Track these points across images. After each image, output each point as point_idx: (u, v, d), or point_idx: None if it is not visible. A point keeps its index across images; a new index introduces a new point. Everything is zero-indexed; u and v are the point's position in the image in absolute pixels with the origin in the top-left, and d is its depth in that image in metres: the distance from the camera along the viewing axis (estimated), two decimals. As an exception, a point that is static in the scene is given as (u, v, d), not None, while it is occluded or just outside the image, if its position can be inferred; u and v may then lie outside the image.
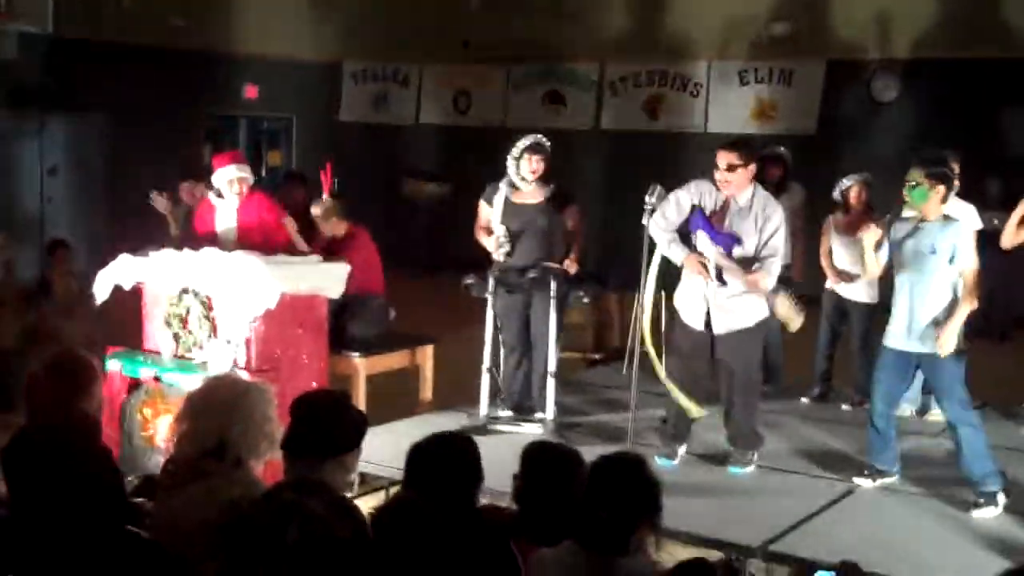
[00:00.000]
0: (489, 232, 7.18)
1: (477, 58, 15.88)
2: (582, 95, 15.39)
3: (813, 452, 6.87)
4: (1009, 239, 7.38)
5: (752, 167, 6.24)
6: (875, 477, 6.21)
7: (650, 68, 14.84)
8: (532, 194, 7.09)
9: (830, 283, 8.05)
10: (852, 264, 7.85)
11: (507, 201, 7.09)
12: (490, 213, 7.17)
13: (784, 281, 8.26)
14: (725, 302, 6.25)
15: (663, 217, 6.29)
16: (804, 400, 8.10)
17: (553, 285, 6.94)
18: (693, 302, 6.32)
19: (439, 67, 16.43)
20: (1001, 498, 5.86)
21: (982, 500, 5.84)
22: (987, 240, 7.50)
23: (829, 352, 8.16)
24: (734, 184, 6.18)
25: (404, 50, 16.45)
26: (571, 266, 7.04)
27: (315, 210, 7.70)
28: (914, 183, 5.94)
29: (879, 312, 7.84)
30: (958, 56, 12.63)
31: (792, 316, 6.74)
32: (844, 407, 7.93)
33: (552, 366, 6.99)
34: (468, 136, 15.83)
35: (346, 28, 16.81)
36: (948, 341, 5.86)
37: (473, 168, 15.19)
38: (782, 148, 8.64)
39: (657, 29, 14.67)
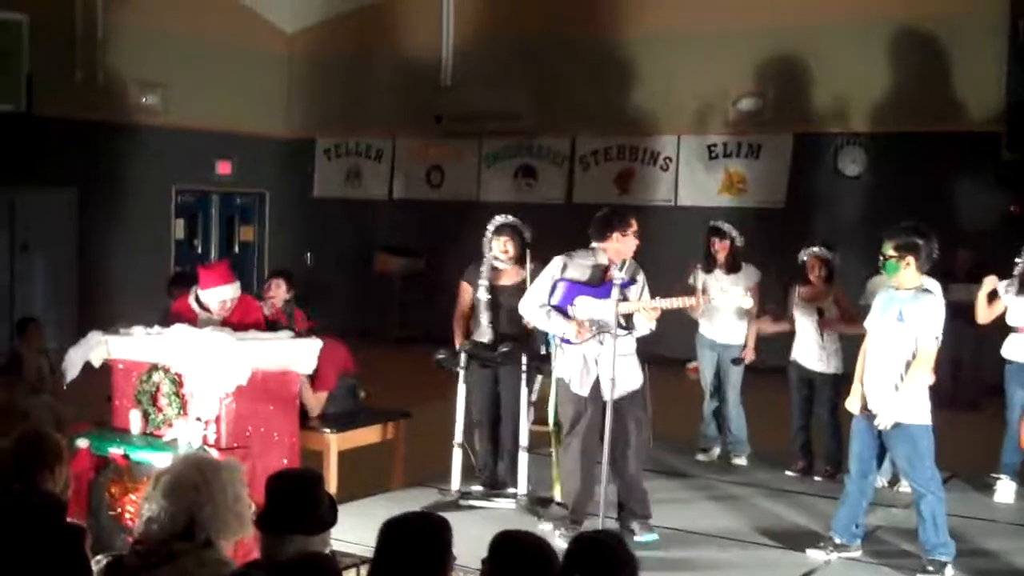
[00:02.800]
0: (467, 316, 7.25)
1: (449, 133, 16.03)
2: (554, 169, 15.53)
3: (785, 525, 6.87)
4: (984, 316, 7.57)
5: None
6: (831, 549, 6.22)
7: (620, 143, 15.02)
8: (510, 275, 7.17)
9: (793, 355, 8.10)
10: (814, 333, 7.92)
11: (489, 283, 7.16)
12: (471, 295, 7.23)
13: (735, 363, 8.37)
14: (613, 368, 6.18)
15: (537, 298, 6.41)
16: (788, 473, 8.10)
17: (523, 359, 6.95)
18: (580, 369, 6.31)
19: (412, 142, 16.56)
20: (949, 570, 5.93)
21: (930, 568, 5.93)
22: (955, 312, 7.62)
23: (803, 423, 8.17)
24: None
25: (377, 126, 16.59)
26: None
27: None
28: (885, 256, 6.08)
29: (844, 382, 7.92)
30: (922, 130, 12.86)
31: (737, 300, 6.60)
32: (816, 479, 7.95)
33: (524, 440, 6.97)
34: (441, 210, 15.94)
35: (319, 104, 16.96)
36: (892, 412, 5.95)
37: (446, 242, 15.34)
38: (725, 223, 8.61)
39: (627, 104, 14.87)
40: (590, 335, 6.20)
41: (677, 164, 14.63)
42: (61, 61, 13.98)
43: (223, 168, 16.27)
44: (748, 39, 13.84)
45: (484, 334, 7.16)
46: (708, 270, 8.43)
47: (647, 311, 6.22)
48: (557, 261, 6.44)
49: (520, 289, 7.07)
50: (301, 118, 17.20)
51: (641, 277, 6.41)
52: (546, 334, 6.64)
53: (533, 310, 6.44)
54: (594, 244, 6.41)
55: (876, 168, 13.40)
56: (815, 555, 6.21)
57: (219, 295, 6.73)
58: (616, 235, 6.36)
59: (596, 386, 6.24)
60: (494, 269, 7.19)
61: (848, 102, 13.43)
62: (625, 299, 6.22)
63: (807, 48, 13.59)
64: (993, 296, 7.65)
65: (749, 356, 8.37)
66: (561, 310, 6.33)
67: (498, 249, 7.12)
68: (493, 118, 15.57)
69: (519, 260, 7.16)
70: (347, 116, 16.76)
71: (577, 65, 15.09)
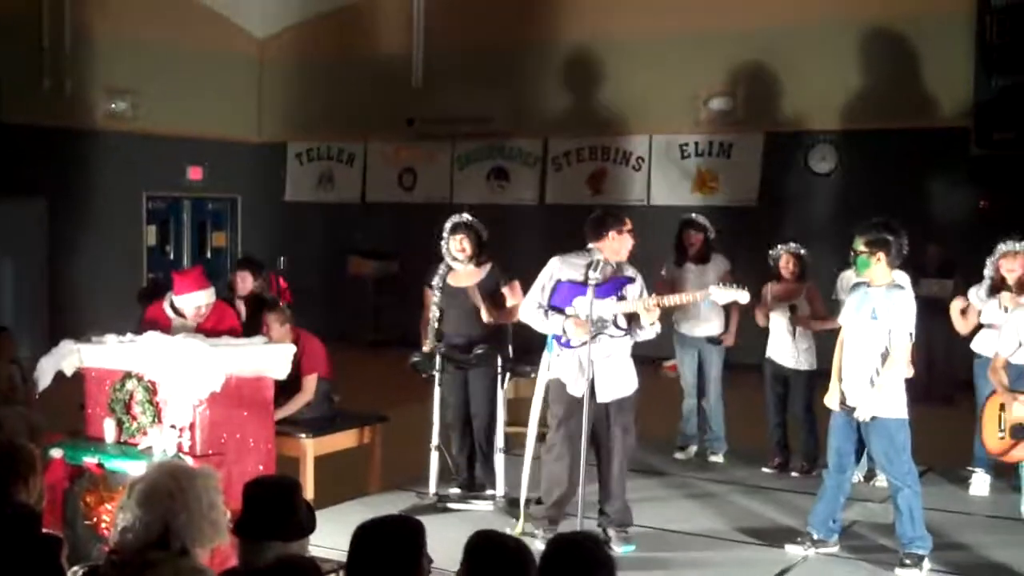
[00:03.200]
0: (427, 323, 7.26)
1: (421, 135, 16.01)
2: (526, 171, 15.54)
3: (763, 522, 6.90)
4: (963, 328, 7.65)
5: None
6: (808, 545, 6.25)
7: (592, 143, 15.04)
8: (468, 275, 7.15)
9: (768, 352, 8.14)
10: (787, 330, 7.97)
11: (444, 283, 7.14)
12: (431, 298, 7.23)
13: (714, 342, 8.40)
14: (608, 370, 6.20)
15: (534, 300, 6.37)
16: (765, 470, 8.13)
17: (499, 361, 6.95)
18: (575, 371, 6.27)
19: (384, 145, 16.54)
20: (926, 564, 5.99)
21: (908, 561, 5.97)
22: (926, 307, 7.67)
23: (779, 420, 8.21)
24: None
25: (348, 129, 16.55)
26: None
27: (272, 316, 7.58)
28: (855, 252, 6.12)
29: (818, 378, 7.97)
30: (891, 127, 12.93)
31: (735, 295, 6.40)
32: (793, 474, 7.99)
33: (500, 442, 6.98)
34: (414, 213, 15.90)
35: (290, 108, 16.90)
36: (870, 406, 5.99)
37: (419, 245, 15.27)
38: (700, 216, 8.74)
39: (598, 105, 14.89)
40: (589, 335, 6.10)
41: (649, 164, 14.67)
42: (28, 68, 13.87)
43: (194, 174, 16.18)
44: (718, 39, 13.89)
45: (432, 337, 7.15)
46: (679, 263, 8.47)
47: (648, 310, 6.14)
48: (553, 262, 6.40)
49: (473, 291, 7.06)
50: (272, 123, 17.14)
51: (639, 276, 6.34)
52: (545, 337, 6.52)
53: (531, 312, 6.37)
54: (590, 244, 6.36)
55: (846, 165, 13.47)
56: (793, 551, 6.24)
57: (194, 301, 6.74)
58: (612, 234, 6.31)
59: (591, 388, 6.12)
60: (450, 270, 7.17)
61: (818, 100, 13.48)
62: (623, 299, 6.19)
63: (777, 48, 13.64)
64: (965, 307, 7.72)
65: (729, 340, 8.40)
66: (559, 310, 6.27)
67: (455, 248, 7.11)
68: (465, 120, 15.56)
69: (476, 259, 7.14)
70: (318, 120, 16.70)
71: (548, 67, 15.11)
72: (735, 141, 14.13)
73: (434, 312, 7.15)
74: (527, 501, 6.97)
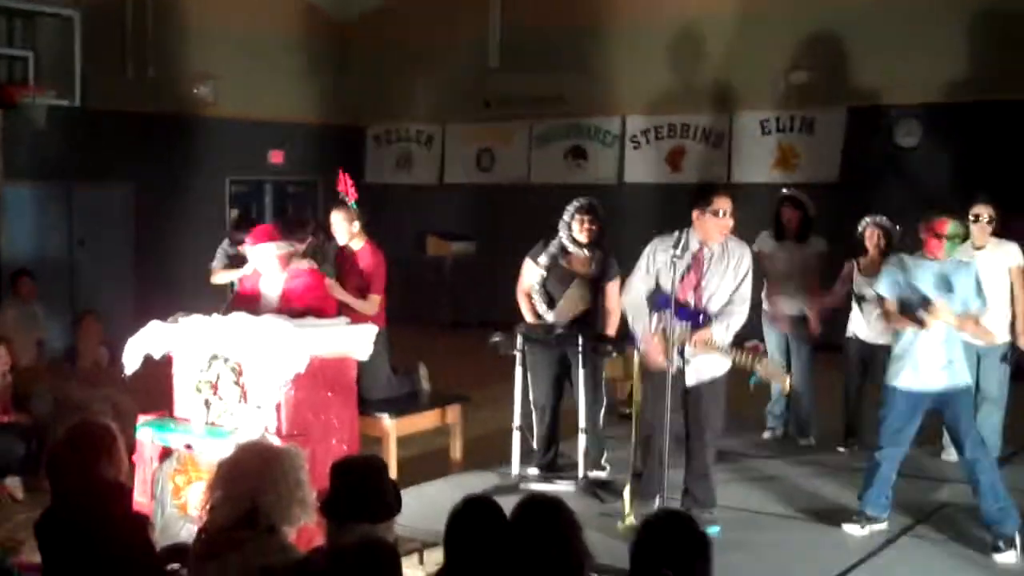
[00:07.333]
0: (529, 296, 7.18)
1: (499, 116, 16.00)
2: (604, 149, 15.45)
3: (847, 504, 6.78)
4: None
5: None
6: (864, 523, 6.18)
7: (671, 120, 14.91)
8: (583, 263, 7.07)
9: (851, 329, 7.99)
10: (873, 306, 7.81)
11: (556, 264, 7.06)
12: (534, 273, 7.15)
13: (802, 320, 8.19)
14: (696, 357, 5.99)
15: (633, 288, 6.17)
16: (840, 449, 8.01)
17: (580, 340, 6.90)
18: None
19: (461, 126, 16.55)
20: (1019, 540, 5.82)
21: (1001, 544, 5.81)
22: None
23: (857, 402, 8.08)
24: (728, 228, 6.02)
25: (426, 111, 16.60)
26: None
27: (336, 213, 7.65)
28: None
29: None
30: (978, 99, 12.62)
31: (776, 375, 6.24)
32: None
33: (583, 422, 6.94)
34: (492, 194, 15.92)
35: (368, 91, 16.99)
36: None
37: (497, 225, 15.32)
38: (799, 192, 8.57)
39: (676, 82, 14.75)
40: (665, 358, 5.89)
41: (729, 141, 14.50)
42: (112, 55, 14.09)
43: (276, 157, 16.35)
44: (798, 13, 13.67)
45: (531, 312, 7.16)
46: (778, 238, 8.34)
47: (696, 344, 5.86)
48: (648, 249, 6.15)
49: (588, 282, 7.01)
50: (351, 106, 17.23)
51: (738, 266, 6.01)
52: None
53: (629, 302, 6.22)
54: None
55: (932, 139, 13.17)
56: (851, 529, 6.19)
57: (268, 251, 6.85)
58: (696, 213, 6.00)
59: (676, 368, 5.93)
60: (565, 252, 7.08)
61: (903, 74, 13.19)
62: (704, 318, 5.91)
63: (859, 20, 13.38)
64: None
65: (813, 326, 8.20)
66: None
67: (579, 229, 6.99)
68: (542, 100, 15.53)
69: (596, 245, 7.05)
70: (396, 103, 16.78)
71: (625, 44, 14.97)
72: (817, 116, 13.90)
73: (534, 287, 7.09)
74: (607, 483, 6.96)
